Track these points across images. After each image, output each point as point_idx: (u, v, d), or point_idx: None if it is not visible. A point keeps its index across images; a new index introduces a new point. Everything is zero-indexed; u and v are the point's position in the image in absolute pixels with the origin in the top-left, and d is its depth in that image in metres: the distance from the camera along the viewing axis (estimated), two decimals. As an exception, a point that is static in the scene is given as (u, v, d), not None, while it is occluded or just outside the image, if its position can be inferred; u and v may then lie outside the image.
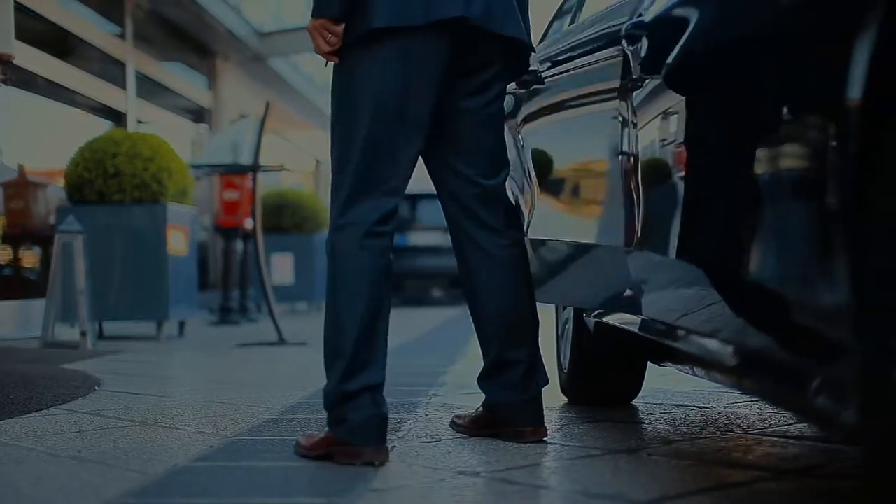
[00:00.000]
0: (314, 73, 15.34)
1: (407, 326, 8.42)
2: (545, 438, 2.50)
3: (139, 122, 9.92)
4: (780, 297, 1.33)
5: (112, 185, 6.46)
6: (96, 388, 3.80)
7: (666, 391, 3.57)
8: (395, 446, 2.42)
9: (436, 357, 5.19)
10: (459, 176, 2.49)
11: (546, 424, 2.54)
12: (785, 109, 1.36)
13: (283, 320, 10.01)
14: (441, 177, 2.52)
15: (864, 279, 0.94)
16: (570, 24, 3.07)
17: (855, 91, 0.99)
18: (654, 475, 2.06)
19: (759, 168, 1.44)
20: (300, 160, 17.06)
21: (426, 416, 2.97)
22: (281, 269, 10.32)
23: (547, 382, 2.57)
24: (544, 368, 2.57)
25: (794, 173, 1.29)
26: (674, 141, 2.03)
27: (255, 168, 6.63)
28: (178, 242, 6.72)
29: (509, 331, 2.52)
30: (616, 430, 2.67)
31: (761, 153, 1.44)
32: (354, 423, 2.23)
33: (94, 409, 3.17)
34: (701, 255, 1.85)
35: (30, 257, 8.46)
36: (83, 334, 5.79)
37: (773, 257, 1.37)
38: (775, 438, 2.51)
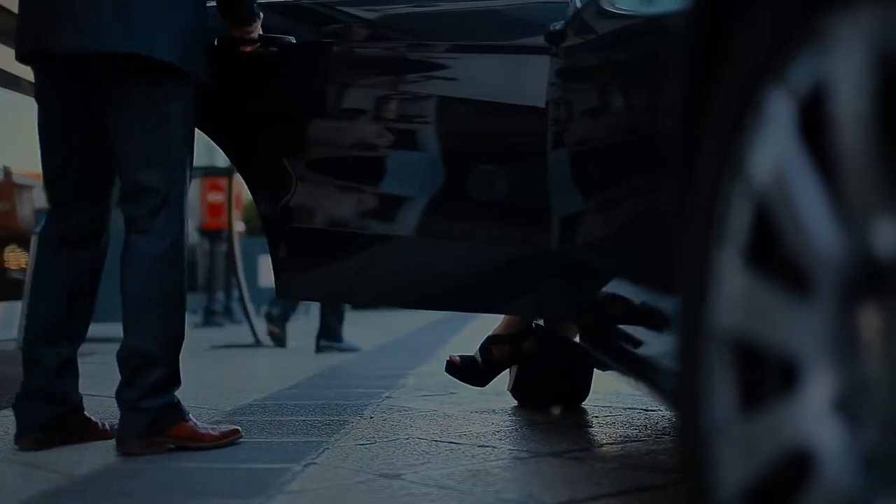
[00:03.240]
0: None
1: (388, 328, 8.44)
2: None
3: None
4: (625, 288, 1.35)
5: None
6: (56, 389, 3.80)
7: (619, 394, 3.58)
8: (327, 448, 2.44)
9: (405, 359, 5.21)
10: None
11: (485, 428, 2.54)
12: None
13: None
14: None
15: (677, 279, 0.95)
16: None
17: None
18: (572, 478, 2.07)
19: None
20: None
21: (371, 418, 2.99)
22: (268, 271, 10.32)
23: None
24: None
25: (621, 174, 1.31)
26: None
27: (230, 170, 6.65)
28: (156, 244, 6.72)
29: None
30: (552, 433, 2.68)
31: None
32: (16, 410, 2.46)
33: (46, 411, 3.18)
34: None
35: (16, 259, 8.49)
36: (58, 336, 5.79)
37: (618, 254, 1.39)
38: (708, 441, 2.52)
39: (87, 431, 2.56)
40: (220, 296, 8.84)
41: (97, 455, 2.37)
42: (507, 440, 2.57)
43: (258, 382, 4.13)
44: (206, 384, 4.14)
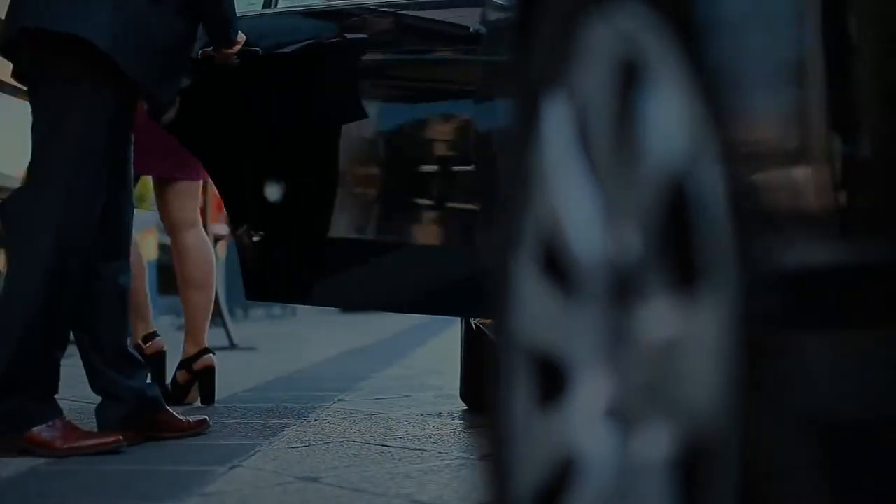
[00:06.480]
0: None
1: (378, 329, 8.44)
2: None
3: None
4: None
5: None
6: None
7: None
8: (258, 451, 2.44)
9: (375, 361, 5.21)
10: None
11: (424, 431, 2.56)
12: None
13: (256, 325, 10.04)
14: None
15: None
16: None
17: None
18: (489, 481, 2.08)
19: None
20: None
21: (315, 421, 2.99)
22: (255, 273, 10.30)
23: None
24: None
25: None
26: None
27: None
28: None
29: None
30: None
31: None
32: None
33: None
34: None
35: (3, 260, 8.52)
36: (33, 338, 5.82)
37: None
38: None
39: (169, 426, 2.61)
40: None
41: (28, 457, 2.38)
42: (442, 444, 2.58)
43: (219, 384, 4.11)
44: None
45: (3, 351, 2.40)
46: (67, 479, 2.14)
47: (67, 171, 2.41)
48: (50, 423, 2.42)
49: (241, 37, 2.75)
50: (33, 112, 2.48)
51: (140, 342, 3.25)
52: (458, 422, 2.99)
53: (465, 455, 2.39)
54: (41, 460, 2.33)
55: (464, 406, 3.30)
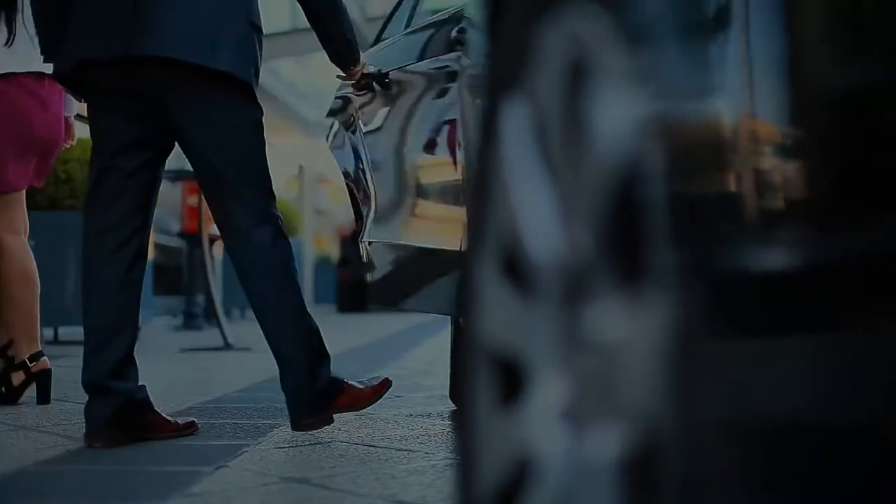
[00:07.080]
0: (294, 78, 15.43)
1: (369, 330, 8.45)
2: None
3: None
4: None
5: (63, 191, 6.50)
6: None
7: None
8: (246, 451, 2.45)
9: (370, 361, 5.22)
10: None
11: (412, 431, 2.56)
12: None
13: (253, 325, 10.03)
14: None
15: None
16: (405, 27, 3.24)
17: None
18: (473, 482, 2.09)
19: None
20: (280, 165, 17.14)
21: (304, 421, 3.00)
22: (252, 274, 10.31)
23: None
24: None
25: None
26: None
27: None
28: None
29: None
30: (474, 437, 2.69)
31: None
32: None
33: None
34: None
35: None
36: (29, 339, 5.82)
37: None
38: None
39: (157, 428, 2.63)
40: (199, 299, 8.86)
41: (19, 456, 2.39)
42: (429, 444, 2.58)
43: (211, 385, 4.14)
44: (164, 386, 4.15)
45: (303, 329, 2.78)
46: (53, 479, 2.14)
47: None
48: (348, 385, 2.74)
49: (364, 58, 2.96)
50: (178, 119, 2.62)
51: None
52: (446, 422, 2.99)
53: (451, 455, 2.39)
54: (30, 461, 2.33)
55: (453, 406, 3.31)
